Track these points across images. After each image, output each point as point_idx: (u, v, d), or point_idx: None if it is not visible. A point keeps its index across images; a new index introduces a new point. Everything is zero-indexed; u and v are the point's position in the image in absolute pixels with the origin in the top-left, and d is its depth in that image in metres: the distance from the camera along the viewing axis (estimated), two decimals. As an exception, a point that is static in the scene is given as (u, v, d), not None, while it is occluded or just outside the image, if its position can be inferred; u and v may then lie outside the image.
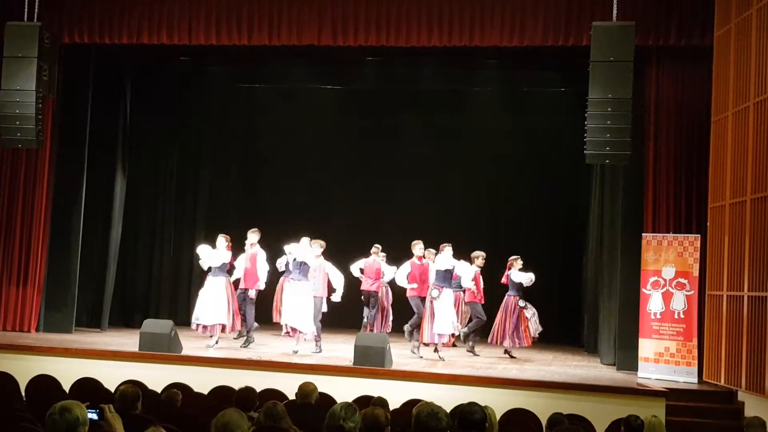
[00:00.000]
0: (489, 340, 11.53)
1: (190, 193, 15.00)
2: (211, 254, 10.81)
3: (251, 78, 14.18)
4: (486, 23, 10.48)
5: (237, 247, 11.18)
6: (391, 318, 12.11)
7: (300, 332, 10.36)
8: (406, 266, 11.24)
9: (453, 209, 14.96)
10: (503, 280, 11.56)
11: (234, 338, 11.19)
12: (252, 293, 10.91)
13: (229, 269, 10.99)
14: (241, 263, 11.03)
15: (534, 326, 11.39)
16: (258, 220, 15.26)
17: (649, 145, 10.46)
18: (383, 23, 10.68)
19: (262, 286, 11.01)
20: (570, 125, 11.96)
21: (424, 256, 11.28)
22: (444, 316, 10.60)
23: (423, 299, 11.00)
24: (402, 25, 10.65)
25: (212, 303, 10.62)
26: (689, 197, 10.35)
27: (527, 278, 11.38)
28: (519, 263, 11.48)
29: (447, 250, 10.80)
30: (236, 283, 11.05)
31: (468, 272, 11.23)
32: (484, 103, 14.12)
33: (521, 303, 11.35)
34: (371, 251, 11.93)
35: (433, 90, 13.99)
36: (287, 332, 10.59)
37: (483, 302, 11.69)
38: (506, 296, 11.51)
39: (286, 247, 10.79)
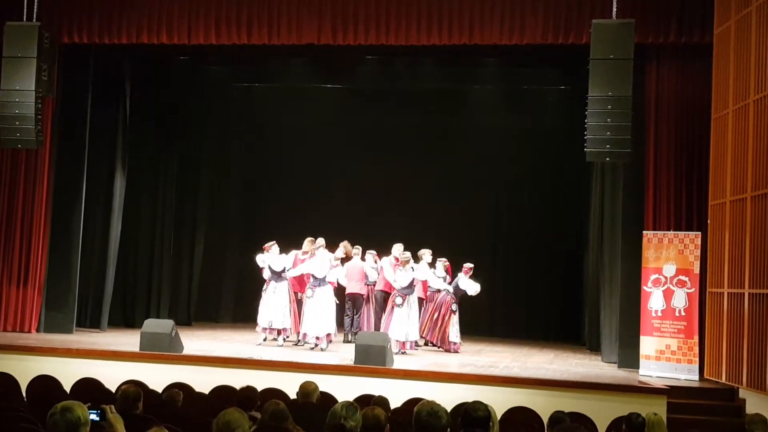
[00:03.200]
0: (420, 333, 11.63)
1: (190, 191, 14.98)
2: (271, 258, 11.09)
3: (251, 77, 14.17)
4: (486, 21, 10.48)
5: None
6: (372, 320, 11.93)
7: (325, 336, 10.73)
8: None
9: (452, 208, 14.97)
10: (449, 281, 11.65)
11: (294, 343, 11.32)
12: (301, 296, 11.32)
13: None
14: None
15: (455, 333, 11.50)
16: (258, 218, 15.38)
17: (649, 142, 10.46)
18: (383, 22, 10.68)
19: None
20: (570, 123, 11.96)
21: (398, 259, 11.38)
22: (401, 323, 10.78)
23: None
24: (402, 23, 10.65)
25: (276, 308, 11.04)
26: (690, 195, 10.35)
27: (474, 288, 11.55)
28: (470, 271, 11.64)
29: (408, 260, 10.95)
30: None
31: (425, 276, 11.31)
32: (484, 101, 14.10)
33: (454, 307, 11.54)
34: (353, 253, 11.81)
35: (433, 88, 13.96)
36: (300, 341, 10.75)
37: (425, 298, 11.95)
38: (444, 293, 11.60)
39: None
